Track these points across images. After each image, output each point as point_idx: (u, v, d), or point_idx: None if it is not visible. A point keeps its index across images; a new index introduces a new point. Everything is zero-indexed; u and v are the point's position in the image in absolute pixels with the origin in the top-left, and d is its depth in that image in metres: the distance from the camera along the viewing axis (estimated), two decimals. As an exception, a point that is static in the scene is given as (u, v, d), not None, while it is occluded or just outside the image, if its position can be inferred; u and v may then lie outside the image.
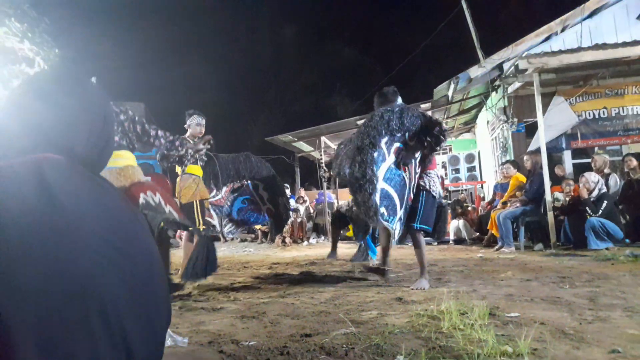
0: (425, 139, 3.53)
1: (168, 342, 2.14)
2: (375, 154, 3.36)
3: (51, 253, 0.84)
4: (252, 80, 33.68)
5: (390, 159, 3.52)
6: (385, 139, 3.46)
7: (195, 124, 4.80)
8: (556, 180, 7.37)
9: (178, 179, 4.87)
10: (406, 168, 3.63)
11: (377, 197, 3.29)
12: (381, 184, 3.41)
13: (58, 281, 0.83)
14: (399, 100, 3.86)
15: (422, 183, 3.74)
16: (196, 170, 4.68)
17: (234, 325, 2.52)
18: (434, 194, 3.72)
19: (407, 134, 3.55)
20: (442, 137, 3.51)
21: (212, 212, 5.13)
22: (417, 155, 3.71)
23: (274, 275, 4.68)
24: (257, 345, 2.10)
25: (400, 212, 3.55)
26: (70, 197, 0.91)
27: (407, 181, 3.63)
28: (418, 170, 3.76)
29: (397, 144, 3.56)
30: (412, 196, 3.72)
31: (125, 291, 0.93)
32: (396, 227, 3.52)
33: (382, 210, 3.37)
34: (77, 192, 0.95)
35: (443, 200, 4.19)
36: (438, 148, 3.63)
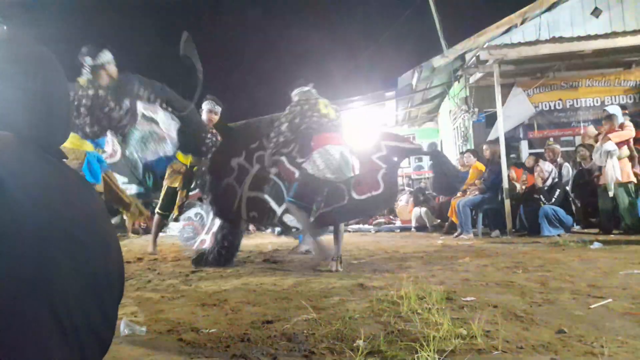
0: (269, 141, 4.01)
1: (126, 331, 2.09)
2: (233, 175, 4.17)
3: (1, 246, 0.79)
4: (216, 64, 32.96)
5: (254, 168, 4.12)
6: (241, 157, 4.16)
7: (207, 110, 4.70)
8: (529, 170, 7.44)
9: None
10: (275, 169, 4.05)
11: (242, 207, 4.05)
12: (248, 193, 4.06)
13: (9, 276, 0.79)
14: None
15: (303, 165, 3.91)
16: (186, 160, 4.62)
17: (194, 314, 2.50)
18: (307, 170, 3.80)
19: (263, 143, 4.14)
20: (277, 137, 3.89)
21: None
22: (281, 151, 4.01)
23: (236, 263, 4.65)
24: (217, 332, 2.09)
25: (280, 207, 3.99)
26: (17, 180, 0.86)
27: (280, 180, 4.03)
28: (300, 160, 3.95)
29: (256, 154, 4.16)
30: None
31: (77, 279, 0.90)
32: (283, 218, 4.00)
33: (253, 214, 4.08)
34: (27, 173, 0.89)
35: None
36: (280, 149, 3.95)
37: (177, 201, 4.79)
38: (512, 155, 8.35)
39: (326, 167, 3.74)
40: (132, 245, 7.18)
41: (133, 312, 2.54)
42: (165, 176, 4.76)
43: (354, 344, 1.84)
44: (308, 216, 3.70)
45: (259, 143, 4.20)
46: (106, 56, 3.54)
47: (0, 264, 0.82)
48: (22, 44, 1.04)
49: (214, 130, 4.62)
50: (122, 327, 2.08)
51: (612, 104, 8.38)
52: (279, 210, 3.97)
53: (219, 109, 4.76)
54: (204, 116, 4.69)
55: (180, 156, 4.58)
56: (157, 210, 4.90)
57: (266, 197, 4.01)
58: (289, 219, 3.93)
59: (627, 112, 7.38)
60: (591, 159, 6.39)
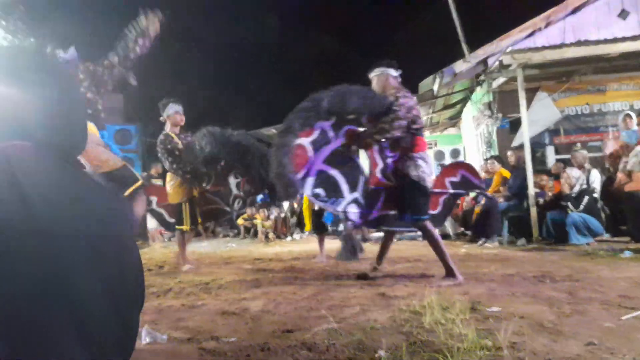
0: (378, 122, 3.38)
1: (147, 339, 2.11)
2: (313, 136, 3.35)
3: (20, 253, 0.80)
4: (234, 70, 33.36)
5: (338, 141, 3.47)
6: (329, 122, 3.42)
7: (174, 112, 4.67)
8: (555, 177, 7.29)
9: (168, 177, 4.79)
10: (366, 152, 3.57)
11: (309, 179, 3.33)
12: (319, 166, 3.38)
13: (29, 283, 0.79)
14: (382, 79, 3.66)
15: (399, 167, 3.50)
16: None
17: (214, 322, 2.50)
18: (414, 178, 3.43)
19: (360, 116, 3.46)
20: (390, 126, 3.33)
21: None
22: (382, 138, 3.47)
23: (256, 271, 4.65)
24: (237, 341, 2.08)
25: (351, 195, 3.50)
26: (37, 187, 0.86)
27: (363, 165, 3.59)
28: (390, 154, 3.54)
29: (347, 127, 3.51)
30: (384, 181, 3.60)
31: (95, 285, 0.90)
32: (348, 210, 3.48)
33: (318, 191, 3.37)
34: (47, 181, 0.90)
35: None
36: (388, 136, 3.37)
37: (194, 211, 4.72)
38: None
39: (428, 173, 3.55)
40: (154, 252, 7.28)
41: (153, 320, 2.55)
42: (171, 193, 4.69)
43: (376, 355, 1.80)
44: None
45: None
46: (172, 108, 4.40)
47: (21, 270, 0.83)
48: (40, 54, 1.06)
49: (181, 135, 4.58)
50: (144, 335, 2.10)
51: (642, 107, 8.15)
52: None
53: (182, 108, 4.70)
54: (173, 119, 4.64)
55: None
56: (177, 227, 4.84)
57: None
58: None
59: None
60: (613, 166, 6.17)
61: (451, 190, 3.99)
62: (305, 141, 3.35)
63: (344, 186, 3.48)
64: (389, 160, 3.55)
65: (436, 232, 3.51)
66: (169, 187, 4.73)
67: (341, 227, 5.50)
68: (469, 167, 4.21)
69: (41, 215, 0.87)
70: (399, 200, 3.52)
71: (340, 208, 3.45)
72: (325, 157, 3.42)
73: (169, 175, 4.75)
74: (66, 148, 1.07)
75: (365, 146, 3.57)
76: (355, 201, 3.52)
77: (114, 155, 3.19)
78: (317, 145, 3.40)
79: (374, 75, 3.70)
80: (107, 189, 2.02)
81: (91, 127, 2.97)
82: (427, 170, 3.50)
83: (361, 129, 3.51)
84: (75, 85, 1.13)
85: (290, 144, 3.24)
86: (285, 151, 3.20)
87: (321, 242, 5.48)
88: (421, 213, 3.48)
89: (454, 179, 4.00)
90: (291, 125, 3.27)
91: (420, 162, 3.47)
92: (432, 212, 3.81)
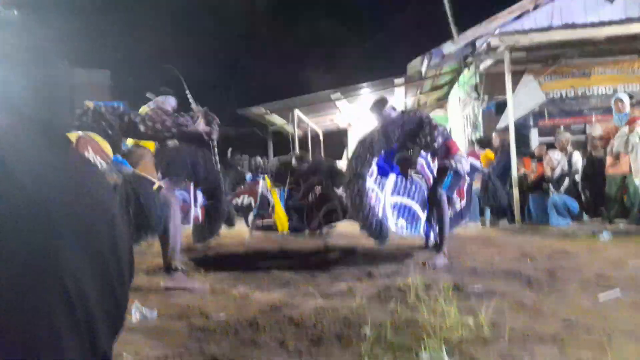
0: (419, 140, 3.62)
1: (137, 315, 2.13)
2: (374, 178, 3.67)
3: (7, 229, 0.79)
4: (224, 49, 32.79)
5: (395, 170, 3.75)
6: (382, 156, 3.68)
7: (171, 107, 4.16)
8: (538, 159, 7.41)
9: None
10: (418, 172, 3.84)
11: (388, 215, 3.62)
12: (391, 199, 3.69)
13: (17, 259, 0.79)
14: (388, 110, 3.86)
15: (447, 164, 3.76)
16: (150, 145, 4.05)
17: (204, 299, 2.54)
18: (459, 172, 3.76)
19: (404, 142, 3.68)
20: (431, 135, 3.58)
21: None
22: (424, 153, 3.79)
23: (245, 250, 4.69)
24: (226, 318, 2.12)
25: (424, 215, 3.83)
26: (26, 164, 0.85)
27: (424, 183, 3.86)
28: (435, 164, 3.87)
29: (397, 155, 3.74)
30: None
31: (86, 262, 0.90)
32: (425, 229, 3.87)
33: (401, 223, 3.68)
34: (35, 157, 0.89)
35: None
36: (435, 145, 3.62)
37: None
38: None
39: (465, 169, 3.86)
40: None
41: (144, 297, 2.58)
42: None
43: (361, 331, 1.86)
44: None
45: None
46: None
47: (9, 247, 0.82)
48: (27, 29, 1.04)
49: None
50: (133, 312, 2.12)
51: (624, 92, 8.24)
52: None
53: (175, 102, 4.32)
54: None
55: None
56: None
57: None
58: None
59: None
60: (603, 148, 6.28)
61: (468, 179, 4.30)
62: (371, 182, 3.64)
63: (418, 209, 3.80)
64: (434, 170, 3.89)
65: (448, 211, 3.77)
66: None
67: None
68: (472, 153, 4.50)
69: (29, 190, 0.85)
70: (435, 177, 3.82)
71: (419, 231, 3.83)
72: (392, 190, 3.73)
73: None
74: (53, 124, 1.06)
75: (415, 165, 3.81)
76: (428, 219, 3.87)
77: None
78: (380, 182, 3.73)
79: (379, 115, 3.87)
80: (95, 166, 2.00)
81: (105, 144, 2.74)
82: (467, 166, 3.87)
83: (409, 153, 3.73)
84: (59, 61, 1.12)
85: (362, 189, 3.48)
86: (361, 198, 3.45)
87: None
88: (447, 189, 3.74)
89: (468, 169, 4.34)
90: (356, 172, 3.53)
91: (462, 159, 3.79)
92: (462, 202, 4.24)
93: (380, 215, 3.56)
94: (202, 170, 3.66)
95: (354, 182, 3.49)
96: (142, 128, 2.78)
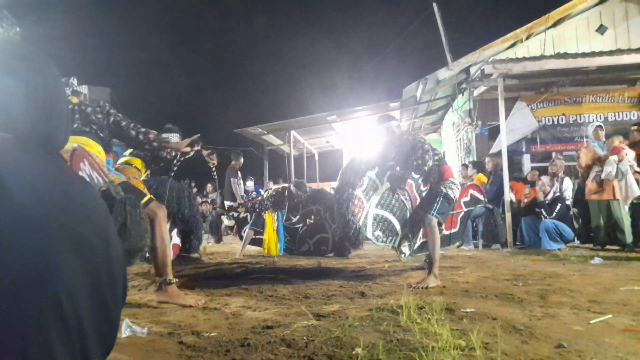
0: (410, 162, 3.74)
1: (127, 332, 2.11)
2: (363, 189, 3.83)
3: (3, 246, 0.79)
4: (223, 69, 33.12)
5: (384, 186, 3.91)
6: (374, 171, 3.90)
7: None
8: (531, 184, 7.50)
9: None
10: (404, 191, 3.95)
11: (368, 224, 3.78)
12: (374, 210, 3.84)
13: (11, 275, 0.78)
14: (391, 126, 3.96)
15: (438, 190, 3.83)
16: (137, 163, 3.74)
17: (195, 317, 2.51)
18: (449, 197, 3.81)
19: (398, 162, 3.86)
20: (422, 159, 3.68)
21: None
22: (415, 175, 3.95)
23: (238, 267, 4.66)
24: (217, 336, 2.10)
25: (402, 231, 3.93)
26: (19, 179, 0.85)
27: (408, 202, 3.97)
28: (424, 188, 4.00)
29: (388, 172, 3.93)
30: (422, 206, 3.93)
31: (80, 276, 0.89)
32: (401, 245, 3.95)
33: (378, 233, 3.83)
34: (30, 173, 0.89)
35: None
36: (425, 168, 3.71)
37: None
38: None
39: (457, 194, 3.95)
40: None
41: (134, 314, 2.55)
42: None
43: (353, 352, 1.85)
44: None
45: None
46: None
47: (4, 261, 0.82)
48: (25, 45, 1.05)
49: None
50: (124, 328, 2.10)
51: (615, 120, 8.40)
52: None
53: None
54: None
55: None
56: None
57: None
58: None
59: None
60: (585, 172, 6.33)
61: (465, 209, 4.44)
62: (360, 192, 3.83)
63: (396, 224, 3.92)
64: (424, 194, 4.00)
65: (438, 234, 3.82)
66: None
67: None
68: (475, 186, 4.77)
69: (24, 206, 0.86)
70: (425, 201, 3.90)
71: (395, 244, 3.93)
72: (377, 202, 3.88)
73: None
74: (49, 140, 1.06)
75: (404, 184, 3.96)
76: (405, 236, 3.98)
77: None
78: (368, 193, 3.87)
79: (384, 128, 3.98)
80: (90, 183, 2.00)
81: (99, 150, 2.68)
82: (457, 192, 3.93)
83: (400, 172, 3.90)
84: (58, 77, 1.12)
85: (351, 197, 3.73)
86: (347, 204, 3.70)
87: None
88: (439, 213, 3.77)
89: (466, 199, 4.46)
90: (348, 180, 3.78)
91: (452, 185, 3.85)
92: (453, 230, 4.37)
93: (360, 222, 3.76)
94: (186, 203, 4.43)
95: (344, 189, 3.74)
96: (132, 133, 2.78)
